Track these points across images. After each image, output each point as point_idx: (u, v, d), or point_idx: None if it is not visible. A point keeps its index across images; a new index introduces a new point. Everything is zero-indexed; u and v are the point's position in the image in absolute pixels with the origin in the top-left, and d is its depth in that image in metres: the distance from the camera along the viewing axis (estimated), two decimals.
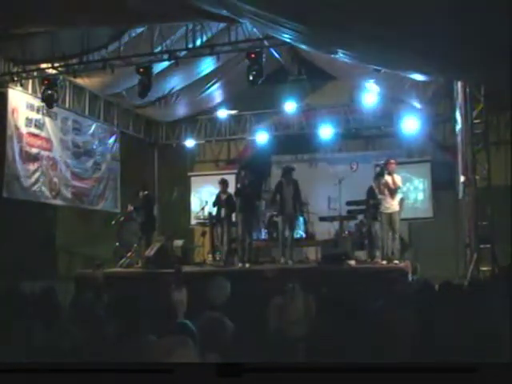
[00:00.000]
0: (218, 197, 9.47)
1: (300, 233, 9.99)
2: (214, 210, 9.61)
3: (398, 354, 2.87)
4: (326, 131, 11.34)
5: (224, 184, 9.41)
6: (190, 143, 12.39)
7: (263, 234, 10.36)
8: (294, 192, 8.80)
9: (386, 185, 8.23)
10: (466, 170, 8.46)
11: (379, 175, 8.40)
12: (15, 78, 8.59)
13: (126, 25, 7.52)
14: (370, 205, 8.75)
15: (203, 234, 10.32)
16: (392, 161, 8.38)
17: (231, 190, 9.61)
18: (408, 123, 10.65)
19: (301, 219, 9.77)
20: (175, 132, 12.50)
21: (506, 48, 4.80)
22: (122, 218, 10.07)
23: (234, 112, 11.83)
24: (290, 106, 11.14)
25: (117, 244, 9.84)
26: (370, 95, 10.52)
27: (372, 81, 9.51)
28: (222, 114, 11.81)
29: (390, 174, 8.25)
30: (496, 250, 7.82)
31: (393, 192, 8.22)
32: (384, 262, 8.13)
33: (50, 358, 2.93)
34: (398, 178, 8.26)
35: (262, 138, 11.93)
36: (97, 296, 5.22)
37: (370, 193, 8.69)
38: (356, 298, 4.02)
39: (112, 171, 11.02)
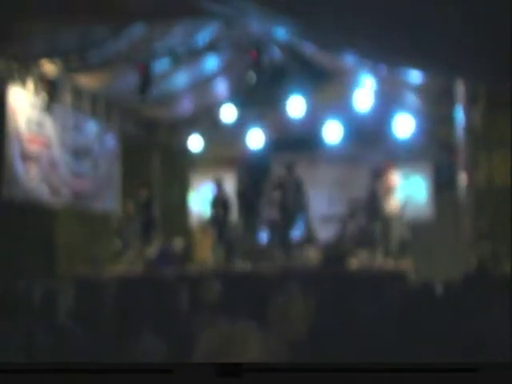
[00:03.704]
0: (218, 197, 9.48)
1: (300, 232, 9.98)
2: (212, 210, 9.63)
3: (399, 355, 2.87)
4: (326, 131, 11.32)
5: (220, 184, 9.43)
6: (190, 143, 12.36)
7: (263, 234, 10.35)
8: (297, 190, 8.80)
9: (386, 184, 8.25)
10: (466, 170, 8.47)
11: (378, 175, 8.42)
12: (15, 78, 8.58)
13: (126, 23, 7.50)
14: (371, 205, 8.76)
15: (203, 233, 10.32)
16: (391, 160, 8.41)
17: (231, 189, 9.61)
18: (408, 123, 10.64)
19: (301, 219, 9.77)
20: (175, 131, 12.48)
21: (506, 47, 4.80)
22: (122, 218, 10.07)
23: (234, 111, 11.80)
24: (291, 106, 11.11)
25: (117, 244, 9.84)
26: (371, 95, 10.50)
27: (373, 80, 9.51)
28: (222, 113, 11.78)
29: (389, 173, 8.27)
30: (496, 250, 7.82)
31: (392, 192, 8.24)
32: (385, 262, 8.14)
33: (50, 358, 2.93)
34: (396, 178, 8.28)
35: (262, 137, 11.91)
36: (97, 296, 5.21)
37: (371, 192, 8.71)
38: (356, 298, 4.02)
39: (112, 171, 11.01)
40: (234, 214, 9.97)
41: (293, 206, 8.81)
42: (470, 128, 8.40)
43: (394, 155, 10.19)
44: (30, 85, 8.93)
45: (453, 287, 4.22)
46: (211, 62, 9.60)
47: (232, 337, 2.28)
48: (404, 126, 10.68)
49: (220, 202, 9.38)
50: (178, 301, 6.49)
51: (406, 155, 10.99)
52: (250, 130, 11.92)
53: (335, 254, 8.36)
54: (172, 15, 6.88)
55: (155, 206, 10.78)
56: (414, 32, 5.27)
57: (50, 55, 8.30)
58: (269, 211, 10.29)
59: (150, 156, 12.57)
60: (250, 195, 9.26)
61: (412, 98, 9.99)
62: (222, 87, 11.18)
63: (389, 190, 8.37)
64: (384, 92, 10.28)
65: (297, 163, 9.64)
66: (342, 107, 11.21)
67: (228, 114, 11.46)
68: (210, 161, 12.72)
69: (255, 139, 12.05)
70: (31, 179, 8.85)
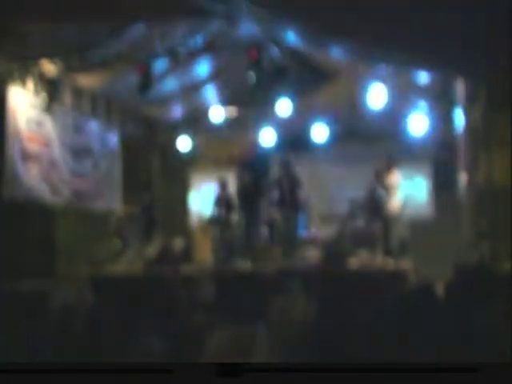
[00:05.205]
0: (218, 197, 9.49)
1: (300, 232, 9.99)
2: (214, 210, 9.63)
3: (399, 355, 2.87)
4: (326, 130, 11.31)
5: (223, 184, 9.44)
6: (190, 142, 12.35)
7: (263, 234, 10.35)
8: (293, 188, 8.82)
9: (387, 184, 8.25)
10: (466, 170, 8.47)
11: (379, 174, 8.43)
12: (15, 77, 8.58)
13: (126, 23, 7.50)
14: (371, 204, 8.76)
15: (203, 233, 10.32)
16: (392, 159, 8.41)
17: (231, 189, 9.62)
18: (408, 123, 10.63)
19: (301, 218, 9.78)
20: (175, 131, 12.47)
21: (506, 47, 4.80)
22: (122, 218, 10.07)
23: (234, 111, 11.81)
24: (291, 106, 11.10)
25: (117, 244, 9.84)
26: (371, 94, 10.50)
27: (373, 80, 9.51)
28: (222, 113, 11.79)
29: (389, 173, 8.27)
30: (496, 250, 7.81)
31: (393, 192, 8.25)
32: (385, 262, 8.13)
33: (50, 358, 2.93)
34: (397, 177, 8.28)
35: (262, 137, 11.91)
36: (96, 295, 5.22)
37: (372, 192, 8.71)
38: (356, 298, 4.02)
39: (112, 171, 11.01)
40: (235, 214, 9.97)
41: (292, 205, 8.82)
42: (470, 128, 8.40)
43: (394, 155, 10.19)
44: (30, 85, 8.93)
45: (453, 287, 4.21)
46: (211, 62, 9.59)
47: (237, 339, 2.28)
48: (404, 125, 10.68)
49: (223, 202, 9.40)
50: (178, 300, 6.50)
51: (406, 155, 10.99)
52: (250, 130, 11.91)
53: (335, 253, 8.36)
54: (172, 15, 6.88)
55: (155, 206, 10.78)
56: (415, 32, 5.27)
57: (50, 55, 8.30)
58: (269, 211, 10.30)
59: (150, 156, 12.58)
60: (250, 195, 9.26)
61: (412, 99, 9.98)
62: (221, 87, 11.17)
63: (389, 190, 8.37)
64: (384, 92, 10.27)
65: (293, 161, 9.66)
66: (341, 107, 11.21)
67: (228, 113, 11.47)
68: (210, 161, 12.72)
69: (255, 139, 12.05)
70: (31, 179, 8.85)
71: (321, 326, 3.27)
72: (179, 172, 12.59)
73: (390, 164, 8.52)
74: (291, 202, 8.83)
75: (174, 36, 8.44)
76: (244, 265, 8.73)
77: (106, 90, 10.03)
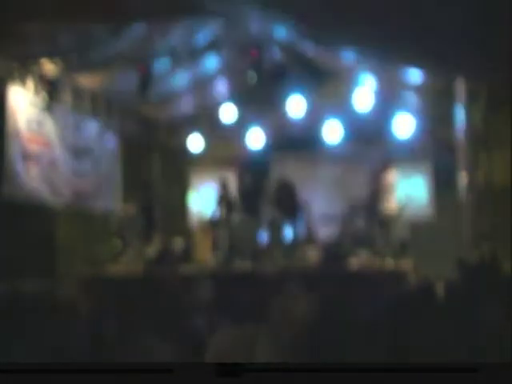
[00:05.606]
0: (219, 197, 9.49)
1: (300, 232, 9.98)
2: (215, 210, 9.64)
3: (399, 355, 2.87)
4: (326, 130, 11.31)
5: (224, 184, 9.45)
6: (189, 143, 12.35)
7: (263, 234, 10.34)
8: (293, 192, 8.84)
9: (384, 183, 8.27)
10: (466, 170, 8.48)
11: (376, 174, 8.45)
12: (15, 77, 8.58)
13: (126, 23, 7.51)
14: (371, 204, 8.77)
15: (203, 233, 10.31)
16: (388, 159, 8.43)
17: (232, 189, 9.62)
18: (408, 123, 10.63)
19: (301, 219, 9.77)
20: (175, 131, 12.47)
21: (506, 47, 4.81)
22: (122, 218, 10.07)
23: (234, 111, 11.79)
24: (290, 105, 11.10)
25: (117, 244, 9.84)
26: (371, 94, 10.50)
27: (373, 80, 9.51)
28: (222, 113, 11.78)
29: (386, 172, 8.29)
30: (496, 250, 7.81)
31: (390, 190, 8.26)
32: (385, 262, 8.14)
33: (50, 358, 2.93)
34: (394, 177, 8.30)
35: (262, 137, 11.91)
36: (96, 295, 5.21)
37: (371, 192, 8.72)
38: (356, 298, 4.02)
39: (112, 171, 11.00)
40: (235, 214, 9.98)
41: (292, 206, 8.84)
42: (470, 128, 8.41)
43: (394, 155, 10.20)
44: (30, 85, 8.92)
45: (453, 287, 4.21)
46: (211, 62, 9.59)
47: (237, 339, 2.28)
48: (404, 125, 10.68)
49: (224, 202, 9.41)
50: (178, 300, 6.50)
51: (405, 155, 10.99)
52: (250, 130, 11.90)
53: (335, 253, 8.36)
54: (172, 15, 6.88)
55: (155, 206, 10.78)
56: (415, 31, 5.27)
57: (50, 55, 8.30)
58: (269, 211, 10.29)
59: (150, 156, 12.56)
60: (249, 195, 9.28)
61: (412, 98, 9.98)
62: (222, 87, 11.17)
63: (387, 189, 8.39)
64: (384, 92, 10.28)
65: (295, 164, 9.69)
66: (341, 107, 11.21)
67: (228, 113, 11.45)
68: (210, 161, 12.71)
69: (255, 139, 12.03)
70: (31, 179, 8.84)
71: (321, 326, 3.27)
72: (179, 172, 12.58)
73: (386, 163, 8.53)
74: (290, 205, 8.86)
75: (174, 36, 8.43)
76: (244, 265, 8.73)
77: (106, 89, 10.03)
